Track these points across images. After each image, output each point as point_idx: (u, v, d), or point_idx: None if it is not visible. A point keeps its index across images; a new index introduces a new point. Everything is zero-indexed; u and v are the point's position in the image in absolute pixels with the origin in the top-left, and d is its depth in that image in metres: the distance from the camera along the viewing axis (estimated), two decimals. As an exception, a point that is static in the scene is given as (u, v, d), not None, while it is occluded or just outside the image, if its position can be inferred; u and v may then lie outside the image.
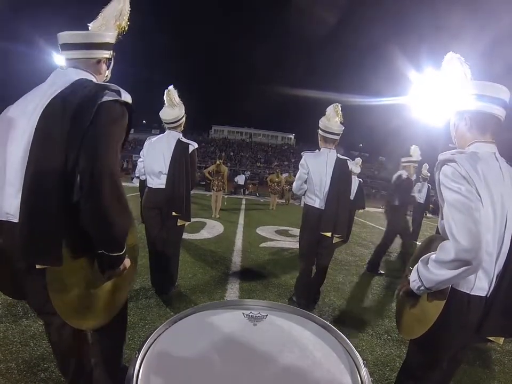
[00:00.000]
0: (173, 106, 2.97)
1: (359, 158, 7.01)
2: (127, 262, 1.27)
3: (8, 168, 1.12)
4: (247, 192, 18.70)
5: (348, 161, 3.02)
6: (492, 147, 1.26)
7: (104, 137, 1.11)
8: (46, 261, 1.07)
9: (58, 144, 1.06)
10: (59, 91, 1.15)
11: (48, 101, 1.12)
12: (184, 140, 3.01)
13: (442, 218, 1.25)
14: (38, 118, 1.10)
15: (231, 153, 46.30)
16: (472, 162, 1.17)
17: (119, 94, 1.21)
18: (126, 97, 1.24)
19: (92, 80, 1.26)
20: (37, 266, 1.06)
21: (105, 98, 1.13)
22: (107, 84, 1.26)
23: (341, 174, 2.92)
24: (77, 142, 1.06)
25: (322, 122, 2.96)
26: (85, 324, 1.19)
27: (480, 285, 1.17)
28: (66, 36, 1.27)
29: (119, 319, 1.39)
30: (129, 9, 1.40)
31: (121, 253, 1.21)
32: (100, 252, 1.17)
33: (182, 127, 3.15)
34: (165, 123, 3.05)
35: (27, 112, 1.14)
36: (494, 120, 1.25)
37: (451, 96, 1.37)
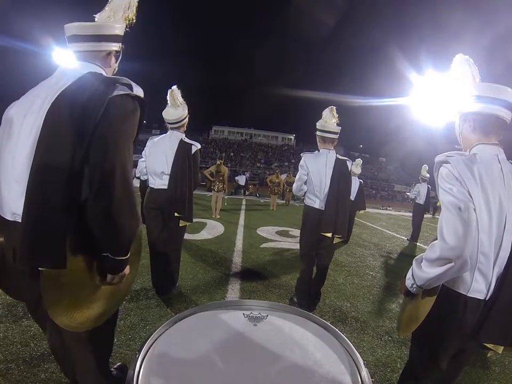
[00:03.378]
0: (176, 107, 2.95)
1: (359, 159, 7.03)
2: (126, 269, 1.22)
3: (15, 166, 1.08)
4: (247, 193, 18.70)
5: (347, 161, 3.03)
6: (495, 149, 1.25)
7: (116, 133, 1.07)
8: (50, 263, 1.03)
9: (66, 141, 1.02)
10: (67, 85, 1.10)
11: (56, 96, 1.07)
12: (187, 140, 3.00)
13: None
14: (45, 114, 1.05)
15: (231, 154, 46.26)
16: (468, 164, 1.18)
17: (130, 87, 1.17)
18: (138, 91, 1.18)
19: (101, 74, 1.21)
20: (40, 269, 1.03)
21: (116, 92, 1.09)
22: (117, 77, 1.20)
23: (340, 175, 2.92)
24: (86, 138, 1.02)
25: (320, 123, 2.99)
26: (75, 325, 1.14)
27: (477, 287, 1.18)
28: (74, 28, 1.20)
29: (109, 322, 1.33)
30: (137, 0, 1.34)
31: (126, 257, 1.17)
32: (104, 254, 1.13)
33: (185, 127, 3.13)
34: (168, 123, 3.03)
35: (34, 108, 1.10)
36: (499, 122, 1.25)
37: (456, 98, 1.37)
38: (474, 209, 1.12)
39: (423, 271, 1.18)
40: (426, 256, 1.17)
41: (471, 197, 1.13)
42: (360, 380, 0.93)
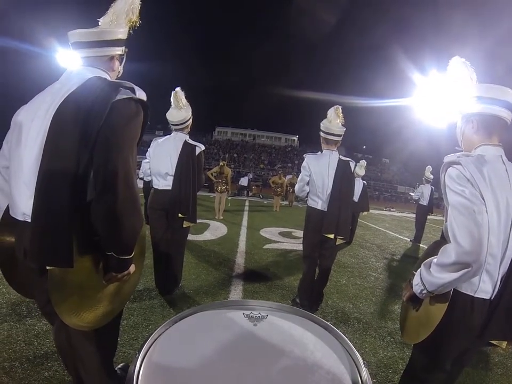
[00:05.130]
0: (179, 108, 2.97)
1: (364, 160, 7.01)
2: (131, 268, 1.25)
3: (24, 169, 1.12)
4: (250, 194, 18.69)
5: (350, 162, 3.02)
6: (498, 150, 1.25)
7: (118, 136, 1.10)
8: (56, 262, 1.06)
9: (71, 144, 1.05)
10: (72, 90, 1.13)
11: (61, 100, 1.11)
12: (191, 141, 3.02)
13: (447, 221, 1.25)
14: (51, 118, 1.09)
15: (235, 155, 46.27)
16: (478, 165, 1.17)
17: (133, 91, 1.19)
18: (140, 94, 1.21)
19: (105, 78, 1.24)
20: (47, 267, 1.05)
21: (119, 96, 1.11)
22: (120, 81, 1.23)
23: (343, 176, 2.92)
24: (91, 142, 1.05)
25: (324, 124, 2.98)
26: (82, 324, 1.16)
27: (484, 287, 1.17)
28: (77, 35, 1.23)
29: (114, 321, 1.36)
30: (140, 3, 1.35)
31: (130, 256, 1.20)
32: (108, 253, 1.16)
33: (189, 128, 3.15)
34: (172, 125, 3.05)
35: (40, 113, 1.13)
36: (501, 123, 1.25)
37: (457, 100, 1.37)
38: (487, 211, 1.10)
39: (434, 277, 1.13)
40: (439, 261, 1.13)
41: (484, 199, 1.11)
42: (360, 379, 0.93)
